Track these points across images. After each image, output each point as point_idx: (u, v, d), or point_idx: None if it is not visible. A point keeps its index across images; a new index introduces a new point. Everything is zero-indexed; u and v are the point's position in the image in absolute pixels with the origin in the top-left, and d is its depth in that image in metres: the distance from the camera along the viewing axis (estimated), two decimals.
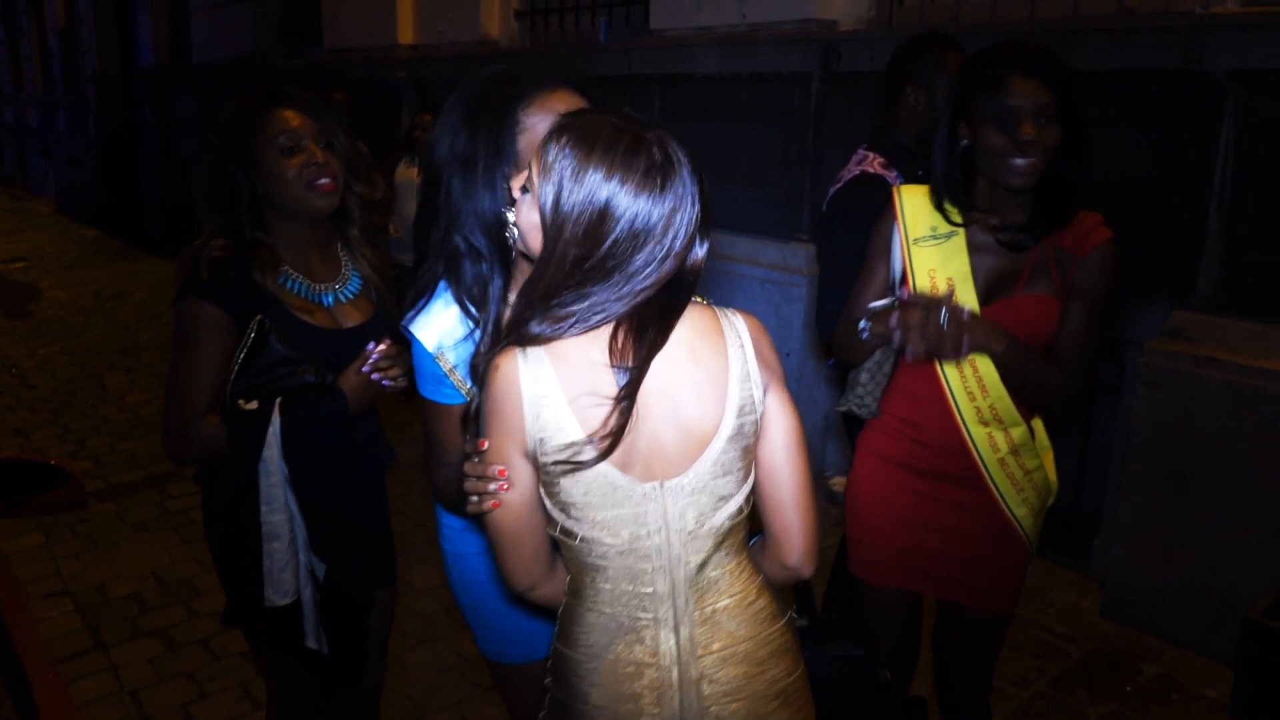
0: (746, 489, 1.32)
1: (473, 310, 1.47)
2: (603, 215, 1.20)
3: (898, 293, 1.89)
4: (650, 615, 1.30)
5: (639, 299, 1.23)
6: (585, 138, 1.22)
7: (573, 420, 1.23)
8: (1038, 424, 1.95)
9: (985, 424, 1.86)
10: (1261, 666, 2.47)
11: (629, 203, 1.19)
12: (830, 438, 4.33)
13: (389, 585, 2.18)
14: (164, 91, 10.71)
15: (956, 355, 1.71)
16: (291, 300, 1.87)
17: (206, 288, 1.79)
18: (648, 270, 1.22)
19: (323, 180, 1.85)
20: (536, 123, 1.45)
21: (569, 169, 1.21)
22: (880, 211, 1.94)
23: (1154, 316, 3.26)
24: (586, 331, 1.24)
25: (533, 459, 1.27)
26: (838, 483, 4.21)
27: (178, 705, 2.93)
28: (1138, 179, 3.27)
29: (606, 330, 1.24)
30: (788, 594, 1.58)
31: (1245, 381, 2.91)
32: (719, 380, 1.28)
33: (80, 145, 13.38)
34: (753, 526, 1.40)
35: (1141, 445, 3.15)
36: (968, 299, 1.81)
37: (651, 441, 1.26)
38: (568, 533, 1.30)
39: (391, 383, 1.90)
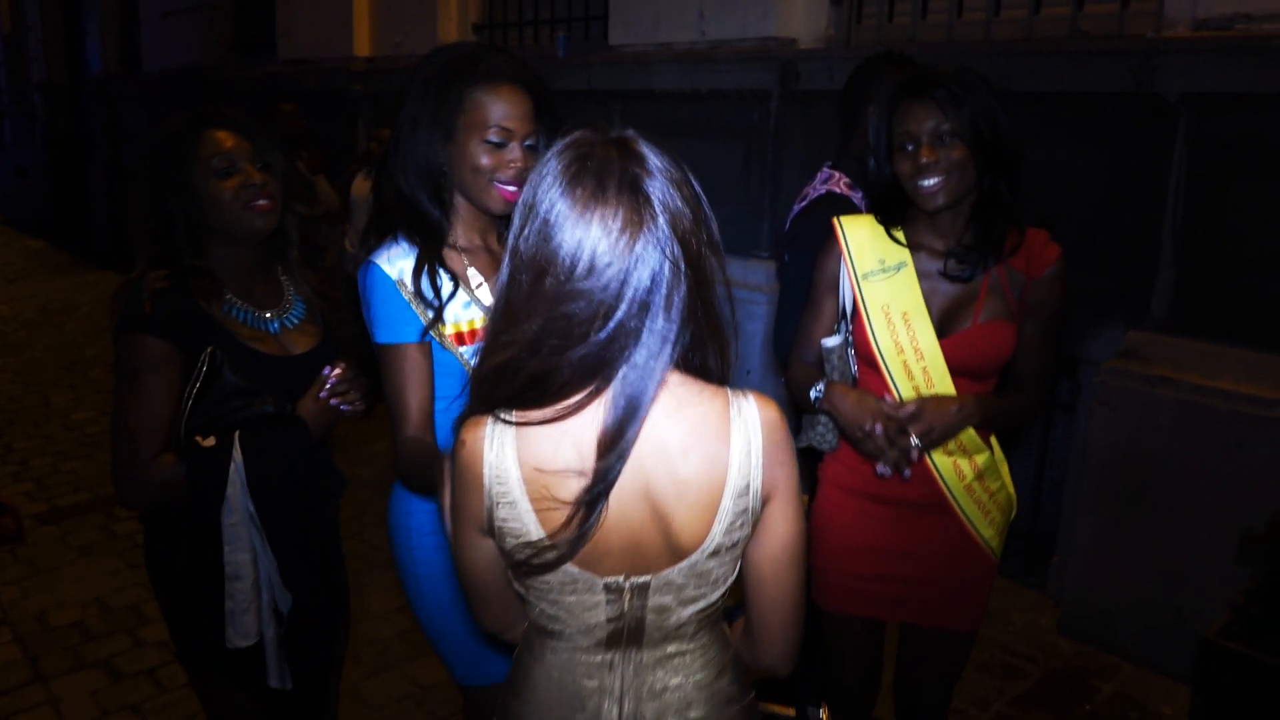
0: (725, 588, 1.22)
1: (417, 239, 1.67)
2: (545, 226, 1.08)
3: (848, 326, 1.87)
4: (596, 684, 1.25)
5: (608, 365, 1.08)
6: (568, 173, 1.10)
7: (532, 518, 1.14)
8: (993, 439, 1.95)
9: (950, 454, 1.85)
10: (1218, 687, 2.49)
11: (574, 223, 1.06)
12: None
13: (344, 613, 2.13)
14: (113, 102, 10.50)
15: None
16: (239, 329, 1.81)
17: (150, 321, 1.71)
18: (611, 323, 1.06)
19: (261, 201, 1.79)
20: (477, 106, 1.62)
21: (550, 209, 1.09)
22: (824, 245, 1.92)
23: (1110, 336, 3.29)
24: (555, 409, 1.10)
25: (491, 538, 1.20)
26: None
27: None
28: (1093, 200, 3.31)
29: (580, 416, 1.11)
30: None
31: (1198, 401, 2.94)
32: (713, 490, 1.13)
33: (27, 155, 13.08)
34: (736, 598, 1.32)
35: (1097, 464, 3.18)
36: (924, 333, 1.80)
37: (624, 543, 1.15)
38: (525, 600, 1.26)
39: (350, 407, 1.85)
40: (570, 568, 1.16)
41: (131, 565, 3.82)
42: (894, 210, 1.85)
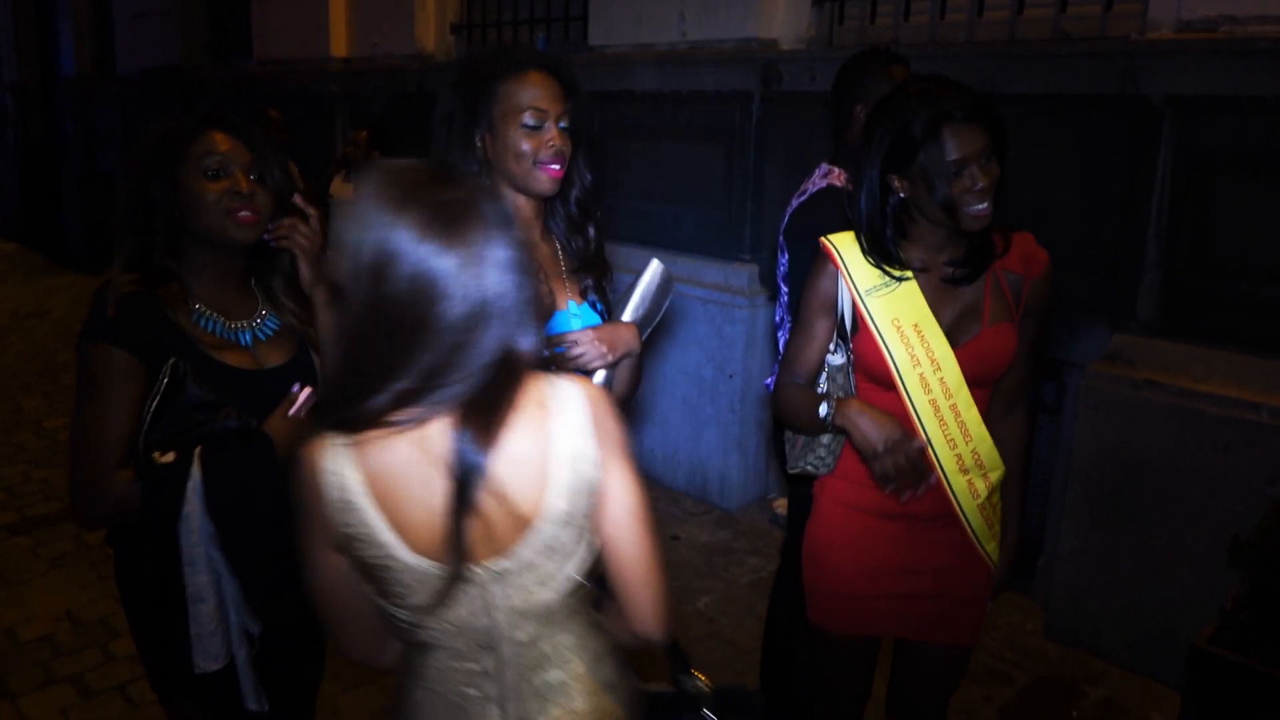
0: (579, 562, 1.24)
1: None
2: (386, 260, 1.09)
3: (848, 346, 1.82)
4: (478, 692, 1.26)
5: (457, 385, 1.12)
6: (382, 184, 1.13)
7: (382, 524, 1.16)
8: None
9: (965, 472, 1.80)
10: (1208, 694, 2.47)
11: (411, 248, 1.09)
12: (773, 459, 4.29)
13: (321, 629, 2.07)
14: (86, 104, 10.35)
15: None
16: (205, 339, 1.74)
17: (113, 329, 1.65)
18: (456, 345, 1.11)
19: (244, 212, 1.72)
20: (509, 95, 1.71)
21: (364, 217, 1.12)
22: (815, 267, 1.87)
23: (1094, 339, 3.27)
24: (408, 428, 1.14)
25: (342, 552, 1.20)
26: (780, 505, 4.17)
27: None
28: (1078, 203, 3.29)
29: (428, 424, 1.15)
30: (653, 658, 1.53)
31: (1185, 404, 2.93)
32: (543, 451, 1.18)
33: None
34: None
35: (1082, 468, 3.15)
36: (938, 345, 1.76)
37: (474, 531, 1.18)
38: (391, 615, 1.24)
39: None
40: (423, 562, 1.17)
41: (103, 577, 3.74)
42: (886, 240, 1.78)
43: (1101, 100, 3.16)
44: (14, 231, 12.13)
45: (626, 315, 1.91)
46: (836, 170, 2.38)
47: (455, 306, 1.10)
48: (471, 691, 1.25)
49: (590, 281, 1.89)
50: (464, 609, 1.21)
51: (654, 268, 1.96)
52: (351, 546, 1.18)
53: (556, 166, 1.72)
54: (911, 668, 1.99)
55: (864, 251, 1.80)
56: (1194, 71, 2.93)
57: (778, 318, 2.56)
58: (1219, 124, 2.92)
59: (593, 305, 1.89)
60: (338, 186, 5.51)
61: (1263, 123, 2.83)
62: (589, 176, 1.85)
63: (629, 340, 1.83)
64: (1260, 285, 2.89)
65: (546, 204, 1.85)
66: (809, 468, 1.88)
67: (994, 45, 3.54)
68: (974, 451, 1.79)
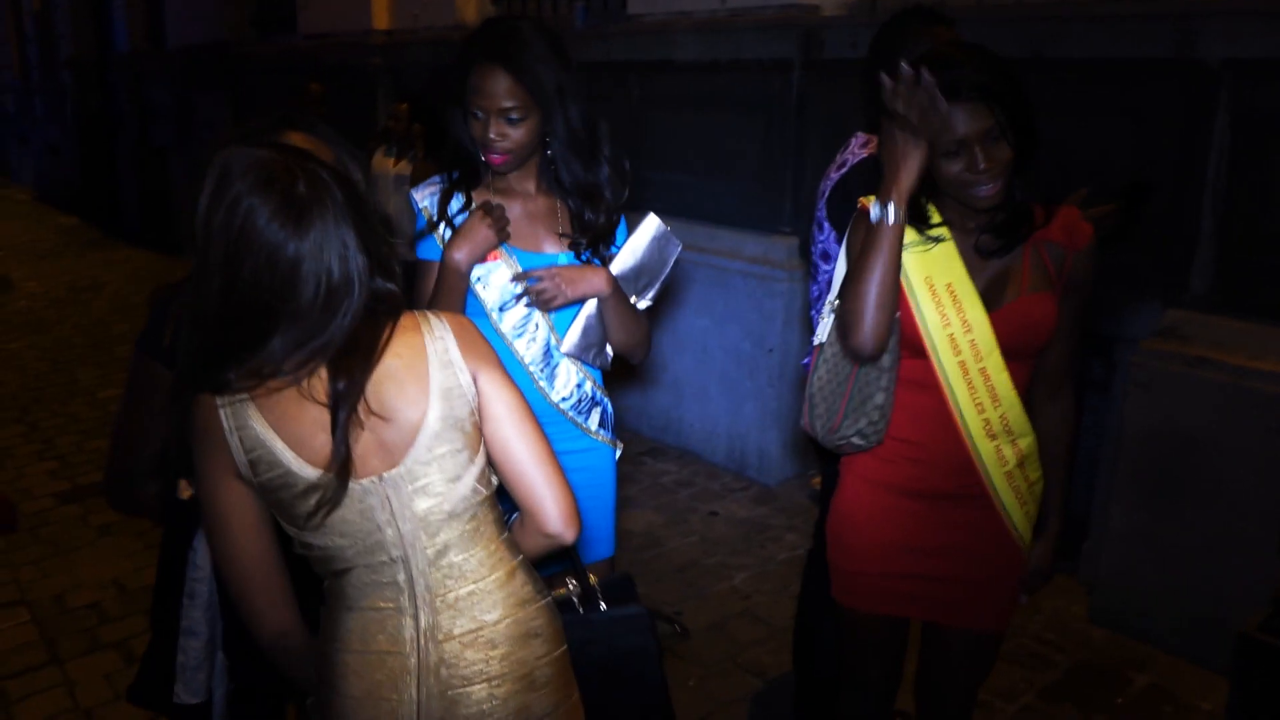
0: (475, 470, 1.35)
1: (452, 176, 2.01)
2: (239, 243, 1.20)
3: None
4: (392, 605, 1.34)
5: (328, 340, 1.25)
6: (239, 160, 1.23)
7: (280, 444, 1.27)
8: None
9: (994, 437, 1.75)
10: (1257, 683, 2.39)
11: (264, 235, 1.21)
12: None
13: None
14: (139, 78, 10.51)
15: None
16: None
17: (167, 352, 1.65)
18: (319, 310, 1.24)
19: None
20: (469, 87, 1.88)
21: (213, 194, 1.22)
22: (853, 222, 1.81)
23: (1146, 315, 3.15)
24: (289, 379, 1.26)
25: (248, 482, 1.29)
26: (819, 481, 4.11)
27: None
28: (1128, 172, 3.16)
29: (308, 372, 1.27)
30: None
31: (1240, 383, 2.81)
32: (418, 369, 1.31)
33: (58, 132, 13.17)
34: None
35: (1132, 447, 3.05)
36: (971, 306, 1.70)
37: (362, 440, 1.29)
38: (306, 545, 1.34)
39: None
40: (325, 477, 1.27)
41: (150, 546, 3.80)
42: (919, 209, 1.73)
43: (1155, 64, 3.03)
44: (73, 205, 12.40)
45: (614, 267, 1.99)
46: (874, 139, 2.29)
47: (308, 289, 1.23)
48: (386, 605, 1.34)
49: (583, 235, 2.00)
50: (368, 521, 1.30)
51: (649, 223, 2.02)
52: (254, 470, 1.28)
53: (498, 156, 1.90)
54: (938, 652, 1.93)
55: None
56: (1254, 33, 2.78)
57: (813, 295, 2.49)
58: None
59: (579, 257, 2.00)
60: (379, 160, 5.51)
61: None
62: (561, 158, 1.96)
63: (595, 282, 1.93)
64: None
65: (541, 169, 2.00)
66: (856, 440, 1.78)
67: (1043, 7, 3.40)
68: (1003, 416, 1.73)
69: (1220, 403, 2.84)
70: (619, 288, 1.97)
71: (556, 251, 2.00)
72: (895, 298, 1.67)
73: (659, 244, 2.02)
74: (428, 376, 1.32)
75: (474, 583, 1.36)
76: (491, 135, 1.88)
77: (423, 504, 1.32)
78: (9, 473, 4.61)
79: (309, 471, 1.27)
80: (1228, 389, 2.83)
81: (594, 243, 1.99)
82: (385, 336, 1.30)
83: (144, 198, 10.63)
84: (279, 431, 1.26)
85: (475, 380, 1.35)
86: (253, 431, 1.26)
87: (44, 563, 3.76)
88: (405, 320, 1.35)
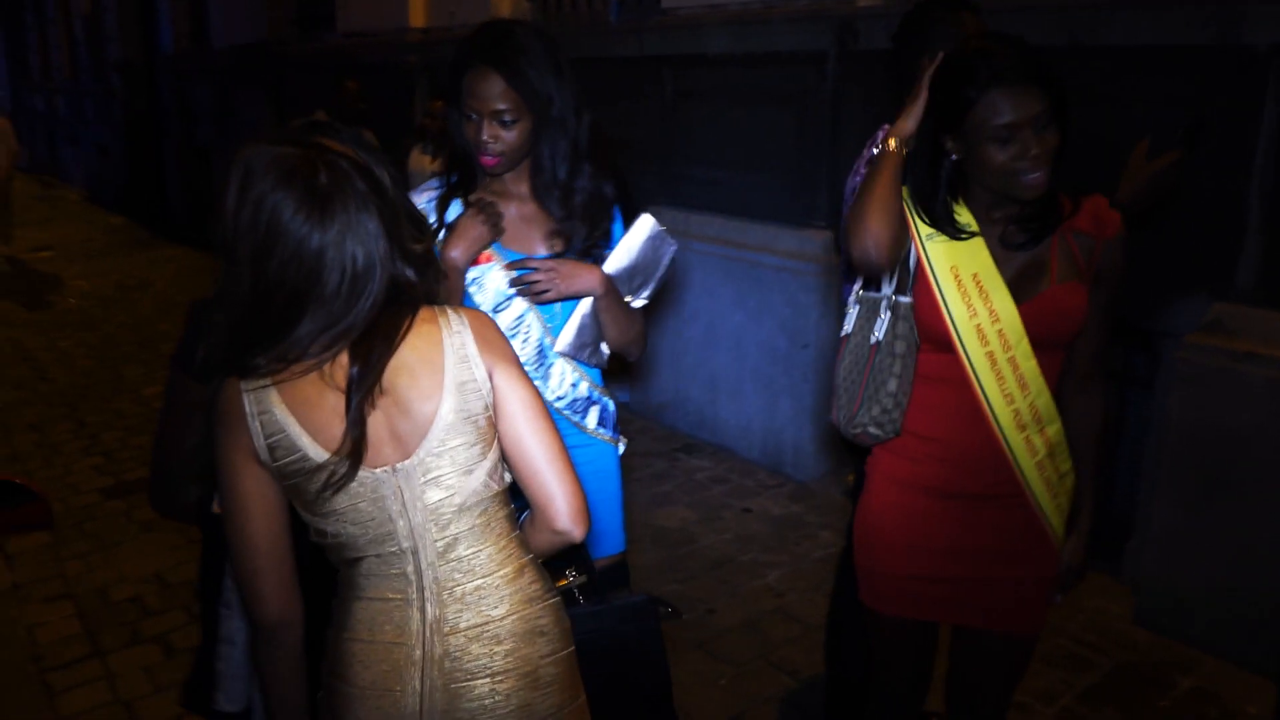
0: (487, 464, 1.37)
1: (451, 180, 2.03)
2: (267, 237, 1.24)
3: (910, 289, 1.73)
4: (401, 596, 1.36)
5: (351, 324, 1.28)
6: (262, 156, 1.26)
7: (305, 438, 1.29)
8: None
9: (1023, 428, 1.71)
10: None
11: (289, 221, 1.24)
12: None
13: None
14: (183, 79, 10.68)
15: None
16: None
17: (202, 368, 1.67)
18: (343, 297, 1.27)
19: None
20: (461, 89, 1.89)
21: (243, 182, 1.25)
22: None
23: (1191, 308, 3.07)
24: (311, 365, 1.29)
25: (266, 466, 1.31)
26: (853, 478, 4.06)
27: (171, 718, 2.86)
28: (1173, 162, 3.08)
29: (330, 358, 1.30)
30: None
31: None
32: (434, 362, 1.34)
33: (107, 133, 13.43)
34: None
35: (1176, 444, 2.98)
36: (999, 296, 1.67)
37: (376, 429, 1.31)
38: (320, 533, 1.36)
39: None
40: (339, 462, 1.29)
41: (191, 541, 3.85)
42: (941, 205, 1.71)
43: (1199, 50, 2.94)
44: (122, 205, 12.64)
45: (608, 266, 2.00)
46: None
47: (333, 276, 1.26)
48: (395, 597, 1.36)
49: (575, 238, 1.99)
50: (380, 510, 1.32)
51: (643, 222, 2.03)
52: (272, 455, 1.30)
53: (490, 158, 1.91)
54: (969, 656, 1.89)
55: (914, 214, 1.73)
56: None
57: (845, 294, 2.46)
58: None
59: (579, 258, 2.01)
60: (415, 158, 5.53)
61: None
62: (554, 162, 1.96)
63: (589, 279, 1.93)
64: None
65: (533, 173, 1.99)
66: (872, 429, 1.76)
67: None
68: (1031, 405, 1.69)
69: (1267, 399, 2.76)
70: (613, 286, 1.98)
71: (541, 249, 2.01)
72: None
73: (653, 244, 2.03)
74: (443, 370, 1.34)
75: (482, 577, 1.38)
76: (485, 137, 1.89)
77: (434, 496, 1.34)
78: (57, 469, 4.71)
79: (324, 456, 1.29)
80: (1275, 384, 2.74)
81: (586, 250, 1.98)
82: (405, 327, 1.32)
83: (189, 197, 10.81)
84: (299, 418, 1.29)
85: (491, 376, 1.37)
86: (274, 417, 1.29)
87: (89, 557, 3.83)
88: (424, 313, 1.37)
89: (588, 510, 1.41)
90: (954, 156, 1.66)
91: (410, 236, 1.36)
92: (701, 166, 4.72)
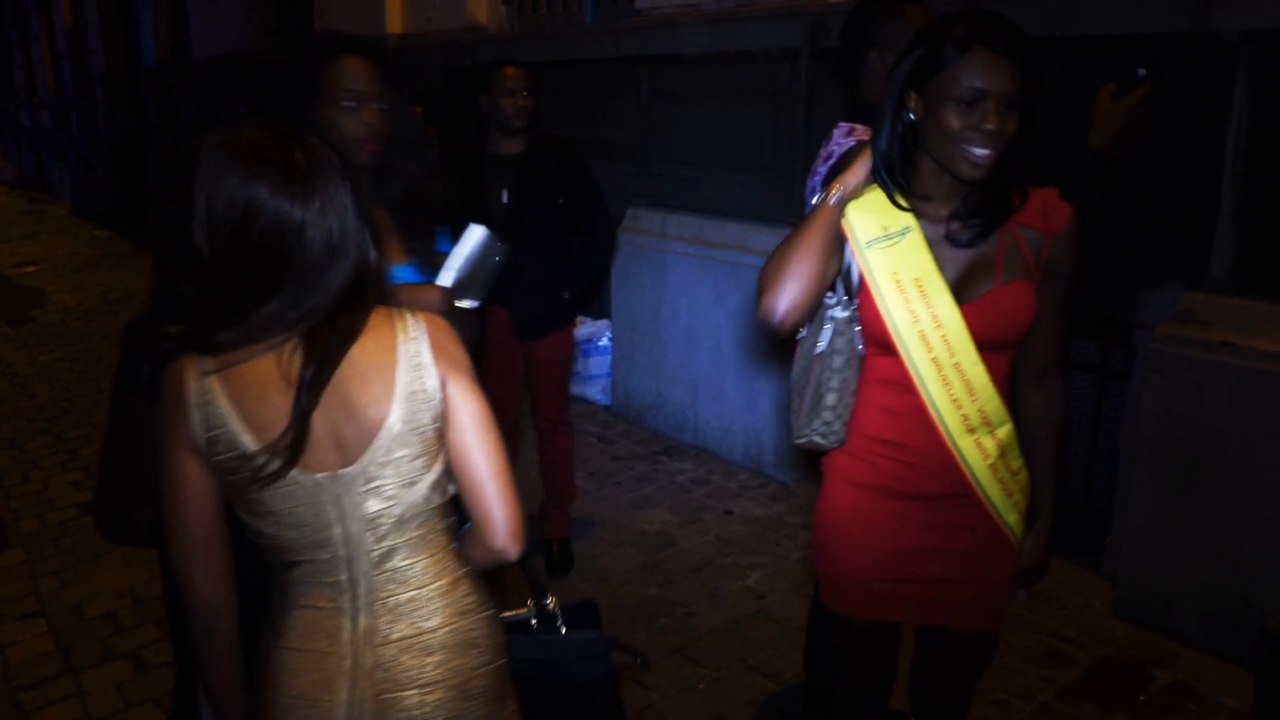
0: (431, 477, 1.35)
1: None
2: (245, 216, 1.23)
3: (854, 299, 1.70)
4: (333, 605, 1.34)
5: (318, 304, 1.27)
6: (229, 146, 1.28)
7: (245, 432, 1.27)
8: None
9: (972, 431, 1.68)
10: None
11: (268, 202, 1.24)
12: None
13: None
14: (167, 91, 10.64)
15: None
16: None
17: (149, 384, 1.63)
18: (318, 269, 1.26)
19: None
20: (333, 83, 1.92)
21: (214, 174, 1.26)
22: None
23: (1164, 298, 3.05)
24: (269, 346, 1.28)
25: (205, 459, 1.30)
26: None
27: None
28: (1144, 151, 3.06)
29: (287, 344, 1.28)
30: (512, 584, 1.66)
31: (1262, 367, 2.70)
32: (386, 369, 1.31)
33: (92, 147, 13.39)
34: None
35: (1151, 436, 2.95)
36: (941, 300, 1.63)
37: (320, 431, 1.29)
38: (258, 533, 1.34)
39: None
40: (277, 464, 1.28)
41: None
42: (894, 165, 1.66)
43: (1171, 38, 2.92)
44: (108, 219, 12.60)
45: (446, 279, 2.04)
46: (859, 128, 2.23)
47: (313, 247, 1.26)
48: (329, 605, 1.34)
49: (416, 244, 2.04)
50: (318, 516, 1.30)
51: (475, 233, 2.08)
52: (211, 449, 1.28)
53: (373, 145, 1.92)
54: (932, 654, 1.87)
55: (876, 178, 1.68)
56: (1272, 4, 2.67)
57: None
58: None
59: (416, 267, 2.04)
60: None
61: None
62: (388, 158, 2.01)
63: (428, 303, 1.92)
64: None
65: (374, 175, 2.00)
66: (816, 438, 1.75)
67: None
68: (980, 410, 1.66)
69: (1241, 388, 2.74)
70: (451, 302, 2.02)
71: (398, 264, 2.00)
72: (814, 275, 1.62)
73: (486, 253, 2.11)
74: (395, 378, 1.31)
75: (416, 589, 1.36)
76: (368, 122, 1.93)
77: (373, 506, 1.32)
78: (35, 483, 4.67)
79: (259, 448, 1.28)
80: (1249, 374, 2.72)
81: (422, 246, 2.04)
82: (361, 326, 1.31)
83: None
84: (242, 411, 1.27)
85: (444, 385, 1.34)
86: (217, 409, 1.27)
87: (64, 573, 3.79)
88: (380, 315, 1.34)
89: (525, 530, 1.39)
90: (911, 116, 1.62)
91: (373, 230, 1.36)
92: (678, 166, 4.70)
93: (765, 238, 4.22)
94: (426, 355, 1.34)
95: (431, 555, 1.38)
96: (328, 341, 1.28)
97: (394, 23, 6.56)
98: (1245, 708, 2.64)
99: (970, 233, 1.64)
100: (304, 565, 1.34)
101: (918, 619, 1.83)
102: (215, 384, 1.28)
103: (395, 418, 1.30)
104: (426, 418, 1.33)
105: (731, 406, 4.45)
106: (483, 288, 2.14)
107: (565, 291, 3.46)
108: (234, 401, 1.27)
